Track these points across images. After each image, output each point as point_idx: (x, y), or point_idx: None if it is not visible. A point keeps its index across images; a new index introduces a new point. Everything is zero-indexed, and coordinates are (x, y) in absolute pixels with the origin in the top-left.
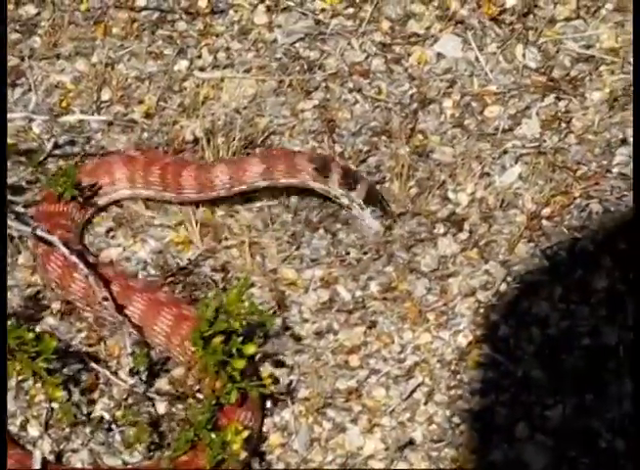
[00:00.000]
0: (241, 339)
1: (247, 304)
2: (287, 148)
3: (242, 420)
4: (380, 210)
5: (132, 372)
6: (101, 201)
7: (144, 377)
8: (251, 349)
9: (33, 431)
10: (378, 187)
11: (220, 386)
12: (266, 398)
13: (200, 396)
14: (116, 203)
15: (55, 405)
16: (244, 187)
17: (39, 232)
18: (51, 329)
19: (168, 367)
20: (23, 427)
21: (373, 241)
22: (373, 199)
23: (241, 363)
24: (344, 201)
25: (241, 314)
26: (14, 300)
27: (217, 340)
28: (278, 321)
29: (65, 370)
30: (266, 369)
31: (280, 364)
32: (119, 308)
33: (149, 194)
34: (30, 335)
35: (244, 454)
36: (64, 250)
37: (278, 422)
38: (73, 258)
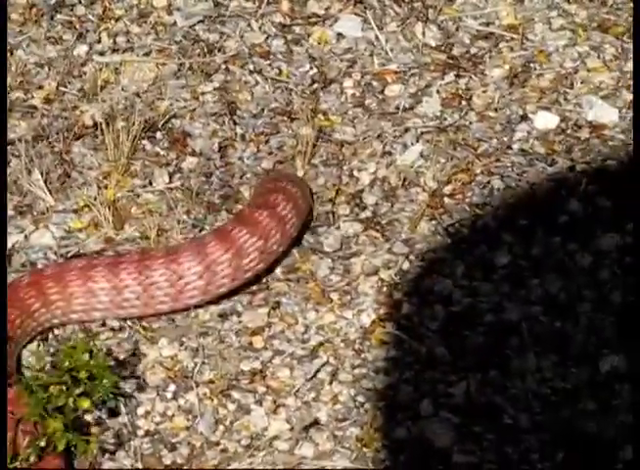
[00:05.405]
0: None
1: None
2: None
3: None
4: None
5: None
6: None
7: None
8: (85, 403)
9: None
10: (280, 167)
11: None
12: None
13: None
14: None
15: None
16: None
17: None
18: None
19: None
20: None
21: None
22: None
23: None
24: None
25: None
26: None
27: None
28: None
29: None
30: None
31: (184, 347)
32: None
33: None
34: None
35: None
36: None
37: (182, 405)
38: None
